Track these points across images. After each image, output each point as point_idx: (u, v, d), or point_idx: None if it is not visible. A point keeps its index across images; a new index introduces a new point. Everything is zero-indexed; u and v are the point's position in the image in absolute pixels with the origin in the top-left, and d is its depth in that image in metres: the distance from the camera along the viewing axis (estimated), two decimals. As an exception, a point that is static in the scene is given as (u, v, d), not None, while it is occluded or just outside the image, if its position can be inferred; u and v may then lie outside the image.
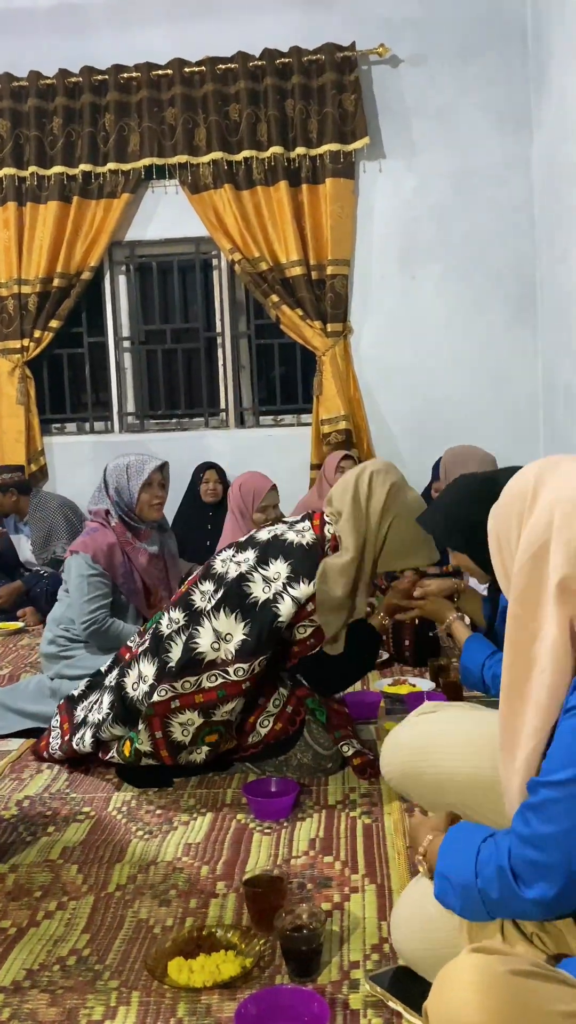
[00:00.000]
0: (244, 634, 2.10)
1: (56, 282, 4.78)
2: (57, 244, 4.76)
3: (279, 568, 2.13)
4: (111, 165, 4.70)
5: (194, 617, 2.17)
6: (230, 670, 2.09)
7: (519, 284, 4.64)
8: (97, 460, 4.91)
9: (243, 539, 2.29)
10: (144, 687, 2.18)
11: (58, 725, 2.41)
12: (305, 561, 2.14)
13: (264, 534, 2.24)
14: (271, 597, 2.10)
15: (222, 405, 5.03)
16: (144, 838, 1.96)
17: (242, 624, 2.11)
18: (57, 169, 4.71)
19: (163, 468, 2.98)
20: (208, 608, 2.16)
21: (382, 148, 4.68)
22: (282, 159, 4.57)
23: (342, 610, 2.16)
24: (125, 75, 4.68)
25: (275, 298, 4.65)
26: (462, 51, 4.58)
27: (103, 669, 2.44)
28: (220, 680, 2.10)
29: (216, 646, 2.11)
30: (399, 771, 1.63)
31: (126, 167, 4.71)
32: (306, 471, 4.75)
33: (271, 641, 2.10)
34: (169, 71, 4.64)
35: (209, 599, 2.17)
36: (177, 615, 2.21)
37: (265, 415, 5.06)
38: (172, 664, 2.13)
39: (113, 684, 2.28)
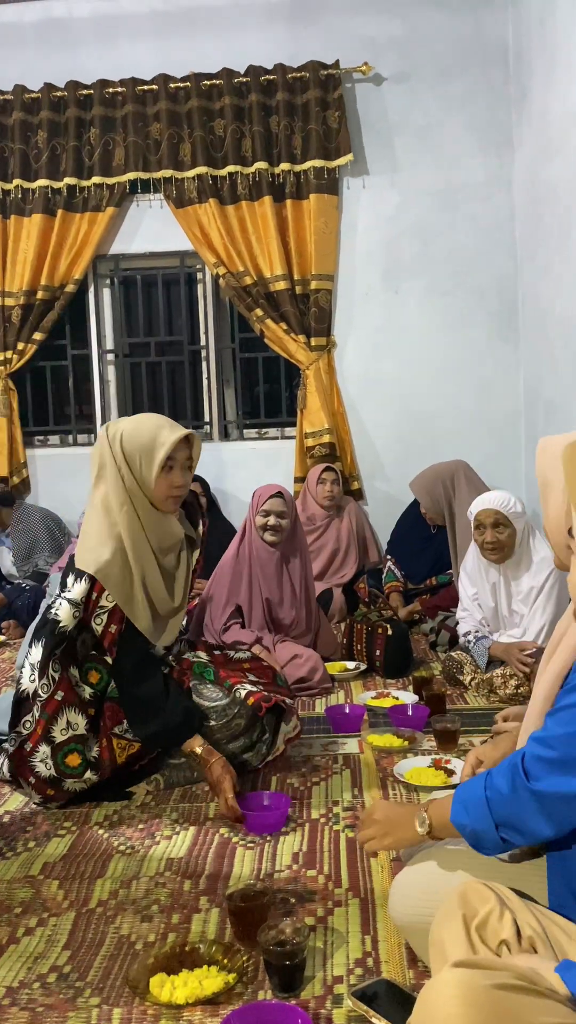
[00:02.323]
0: (41, 652, 2.15)
1: (40, 295, 4.77)
2: (41, 257, 4.76)
3: (70, 582, 2.16)
4: (96, 179, 4.71)
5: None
6: (40, 691, 2.15)
7: (501, 300, 4.69)
8: (80, 473, 4.89)
9: None
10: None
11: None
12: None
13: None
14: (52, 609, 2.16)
15: (206, 418, 5.03)
16: (126, 853, 1.95)
17: (39, 645, 2.16)
18: (42, 182, 4.72)
19: None
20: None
21: (366, 165, 4.73)
22: (266, 174, 4.60)
23: (125, 576, 2.16)
24: (110, 90, 4.70)
25: (259, 312, 4.67)
26: (445, 70, 4.63)
27: None
28: (38, 703, 2.15)
29: (32, 677, 2.17)
30: (407, 921, 1.48)
31: (111, 181, 4.72)
32: (290, 484, 4.76)
33: (59, 645, 2.14)
34: (154, 86, 4.67)
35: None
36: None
37: (249, 428, 5.07)
38: (10, 714, 2.19)
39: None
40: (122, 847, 1.98)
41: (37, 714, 2.16)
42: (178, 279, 4.97)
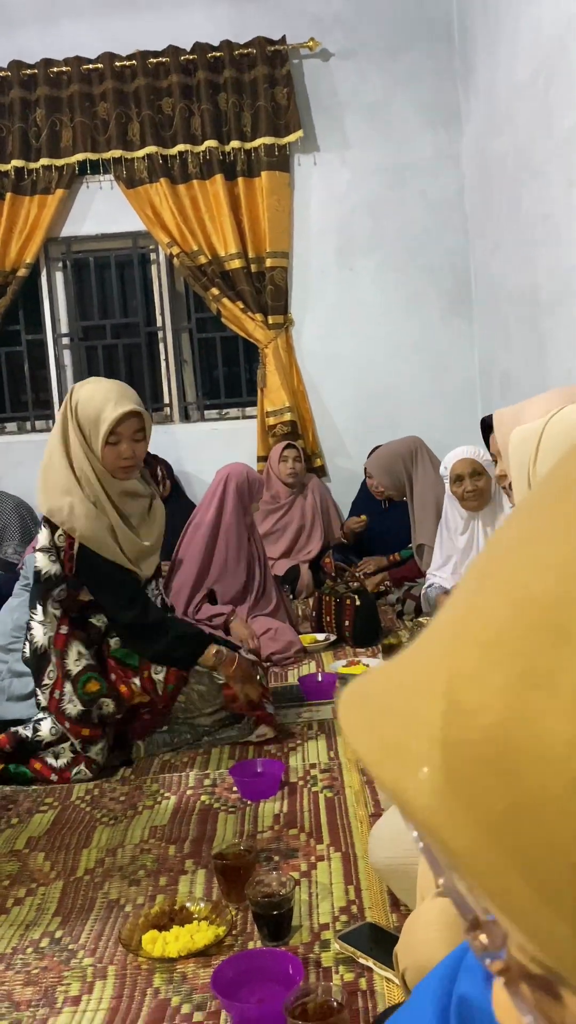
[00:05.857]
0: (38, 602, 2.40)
1: (-9, 280, 4.71)
2: (-9, 241, 4.69)
3: (41, 532, 2.43)
4: (44, 161, 4.64)
5: None
6: (48, 631, 2.36)
7: (454, 275, 4.75)
8: (39, 459, 4.85)
9: None
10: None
11: None
12: None
13: None
14: None
15: (166, 400, 5.02)
16: (110, 824, 1.98)
17: (36, 600, 2.39)
18: (-12, 165, 4.64)
19: None
20: None
21: (316, 142, 4.74)
22: (217, 152, 4.59)
23: (89, 523, 2.36)
24: (55, 69, 4.63)
25: (215, 291, 4.67)
26: (390, 46, 4.65)
27: None
28: (52, 649, 2.33)
29: (45, 632, 2.37)
30: (385, 865, 1.52)
31: (59, 163, 4.66)
32: (253, 463, 4.77)
33: (50, 590, 2.33)
34: (100, 65, 4.61)
35: None
36: None
37: (210, 409, 5.07)
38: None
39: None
40: (105, 818, 2.00)
41: (53, 658, 2.30)
42: (131, 260, 4.93)
